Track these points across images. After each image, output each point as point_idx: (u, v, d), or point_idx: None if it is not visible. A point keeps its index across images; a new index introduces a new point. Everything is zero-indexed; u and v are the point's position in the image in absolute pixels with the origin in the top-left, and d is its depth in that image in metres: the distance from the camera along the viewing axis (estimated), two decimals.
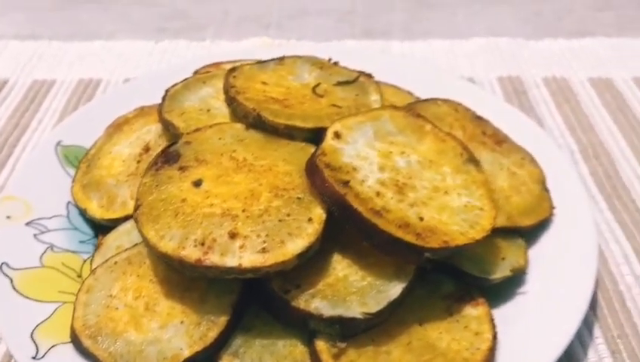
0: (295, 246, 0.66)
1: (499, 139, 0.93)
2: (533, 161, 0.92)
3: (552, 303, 0.75)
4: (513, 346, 0.71)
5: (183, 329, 0.68)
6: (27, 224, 0.84)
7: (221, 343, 0.68)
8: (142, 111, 0.98)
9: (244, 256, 0.65)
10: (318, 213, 0.70)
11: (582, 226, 0.84)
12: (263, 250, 0.66)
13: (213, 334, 0.67)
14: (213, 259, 0.65)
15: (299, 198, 0.71)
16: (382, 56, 1.22)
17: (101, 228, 0.85)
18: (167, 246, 0.67)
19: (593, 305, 0.84)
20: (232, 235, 0.67)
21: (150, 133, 0.92)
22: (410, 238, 0.67)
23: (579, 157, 1.09)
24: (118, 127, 0.97)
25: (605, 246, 0.93)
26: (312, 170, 0.71)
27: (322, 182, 0.69)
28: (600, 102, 1.22)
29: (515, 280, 0.79)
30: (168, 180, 0.74)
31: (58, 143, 0.97)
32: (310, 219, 0.69)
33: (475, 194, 0.76)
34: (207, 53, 1.33)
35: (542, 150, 0.95)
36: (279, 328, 0.71)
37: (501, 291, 0.78)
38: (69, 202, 0.89)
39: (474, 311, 0.73)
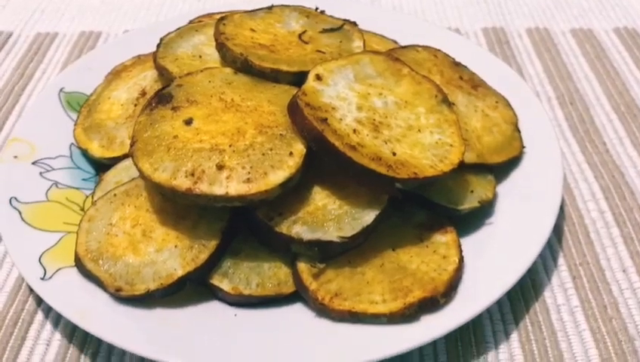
0: (277, 176, 0.73)
1: (475, 84, 0.98)
2: (507, 104, 0.97)
3: (517, 231, 0.82)
4: (479, 269, 0.78)
5: (177, 252, 0.75)
6: (33, 163, 0.91)
7: (212, 264, 0.75)
8: (139, 60, 1.04)
9: (231, 186, 0.72)
10: (299, 148, 0.76)
11: (549, 163, 0.90)
12: (248, 180, 0.72)
13: (204, 256, 0.74)
14: (202, 188, 0.72)
15: (281, 135, 0.77)
16: (369, 8, 1.26)
17: (102, 167, 0.92)
18: (161, 177, 0.73)
19: (559, 237, 0.91)
20: (220, 167, 0.73)
21: (146, 79, 0.98)
22: (382, 170, 0.73)
23: (555, 103, 1.14)
24: (116, 74, 1.03)
25: (575, 185, 0.99)
26: (293, 108, 0.77)
27: (302, 119, 0.75)
28: (580, 52, 1.27)
29: (484, 212, 0.85)
30: (161, 119, 0.80)
31: (61, 90, 1.03)
32: (291, 153, 0.75)
33: (446, 132, 0.82)
34: (202, 7, 1.38)
35: (517, 95, 1.00)
36: (265, 252, 0.78)
37: (470, 222, 0.84)
38: (71, 144, 0.96)
39: (443, 238, 0.79)
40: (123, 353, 0.76)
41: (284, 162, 0.74)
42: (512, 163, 0.91)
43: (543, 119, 0.97)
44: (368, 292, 0.73)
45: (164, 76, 0.92)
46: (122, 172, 0.87)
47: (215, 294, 0.76)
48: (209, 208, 0.76)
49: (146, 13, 1.39)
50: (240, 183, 0.72)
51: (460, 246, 0.79)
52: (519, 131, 0.94)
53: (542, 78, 1.20)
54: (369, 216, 0.75)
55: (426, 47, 1.00)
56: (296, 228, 0.74)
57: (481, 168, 0.87)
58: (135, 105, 0.94)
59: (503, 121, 0.94)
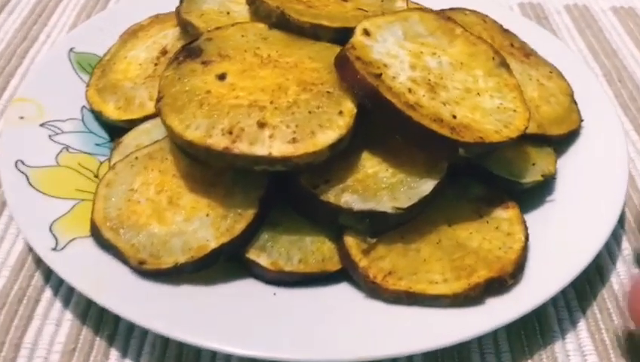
0: (326, 137, 0.64)
1: (526, 52, 0.90)
2: (560, 75, 0.90)
3: (584, 209, 0.74)
4: (543, 251, 0.70)
5: (209, 221, 0.66)
6: (41, 125, 0.82)
7: (248, 236, 0.66)
8: (157, 19, 0.95)
9: (274, 146, 0.63)
10: (349, 107, 0.67)
11: (611, 138, 0.82)
12: (294, 140, 0.64)
13: (240, 226, 0.65)
14: (242, 147, 0.63)
15: (328, 92, 0.68)
16: None
17: (117, 132, 0.82)
18: (194, 134, 0.64)
19: (621, 219, 0.83)
20: (261, 125, 0.64)
21: (167, 37, 0.89)
22: (444, 132, 0.65)
23: (602, 81, 1.06)
24: (132, 33, 0.93)
25: (632, 166, 0.91)
26: (342, 62, 0.68)
27: (353, 73, 0.66)
28: (623, 30, 1.19)
29: (544, 188, 0.77)
30: (191, 73, 0.71)
31: (71, 49, 0.93)
32: (341, 112, 0.66)
33: (507, 97, 0.74)
34: None
35: (569, 67, 0.92)
36: (306, 225, 0.69)
37: (530, 198, 0.76)
38: (83, 106, 0.86)
39: (504, 214, 0.71)
40: (144, 335, 0.67)
41: (334, 121, 0.65)
42: (571, 136, 0.83)
43: (599, 92, 0.89)
44: (426, 270, 0.65)
45: (189, 32, 0.83)
46: (143, 135, 0.78)
47: (251, 271, 0.67)
48: (245, 174, 0.67)
49: None
50: (285, 143, 0.63)
51: (524, 222, 0.70)
52: (576, 103, 0.86)
53: (586, 54, 1.12)
54: (427, 186, 0.67)
55: (473, 11, 0.92)
56: (346, 196, 0.66)
57: (541, 140, 0.79)
58: (155, 64, 0.85)
59: (560, 92, 0.86)
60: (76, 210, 0.72)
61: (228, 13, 0.85)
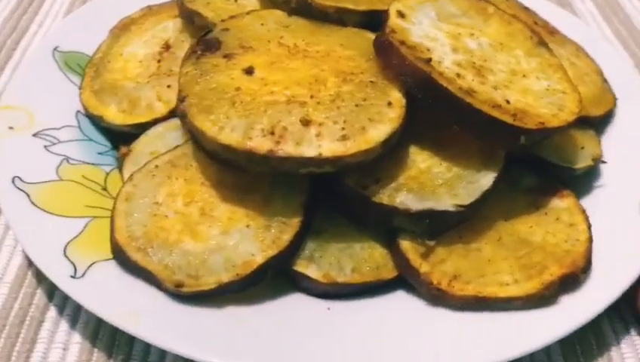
0: (378, 132, 0.58)
1: (550, 30, 0.86)
2: (586, 53, 0.85)
3: (630, 193, 0.70)
4: (604, 242, 0.65)
5: (251, 233, 0.59)
6: (34, 135, 0.72)
7: (296, 247, 0.60)
8: (150, 11, 0.86)
9: (324, 145, 0.56)
10: (397, 97, 0.61)
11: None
12: (344, 138, 0.57)
13: (287, 236, 0.59)
14: (288, 148, 0.56)
15: (372, 82, 0.62)
16: None
17: (119, 138, 0.74)
18: (231, 137, 0.57)
19: None
20: (306, 122, 0.58)
21: (168, 30, 0.81)
22: (507, 118, 0.59)
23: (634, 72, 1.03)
24: (124, 27, 0.84)
25: None
26: (384, 48, 0.62)
27: (401, 60, 0.60)
28: None
29: (591, 173, 0.73)
30: (214, 68, 0.63)
31: (55, 49, 0.84)
32: (390, 103, 0.60)
33: (553, 78, 0.69)
34: None
35: (590, 44, 0.88)
36: (353, 230, 0.63)
37: (579, 186, 0.71)
38: (77, 111, 0.77)
39: (561, 203, 0.66)
40: (161, 358, 0.60)
41: (384, 114, 0.59)
42: (607, 117, 0.79)
43: (629, 70, 0.85)
44: (494, 271, 0.60)
45: (196, 24, 0.75)
46: (156, 140, 0.69)
47: (298, 284, 0.61)
48: (284, 178, 0.61)
49: None
50: (334, 141, 0.57)
51: (584, 211, 0.66)
52: (607, 82, 0.82)
53: (615, 44, 1.07)
54: (487, 179, 0.61)
55: None
56: (401, 196, 0.60)
57: (582, 122, 0.75)
58: (159, 60, 0.77)
59: (590, 70, 0.82)
60: (90, 229, 0.64)
61: (236, 1, 0.77)
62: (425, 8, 0.70)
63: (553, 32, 0.85)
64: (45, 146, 0.72)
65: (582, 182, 0.72)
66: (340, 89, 0.61)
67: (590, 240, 0.62)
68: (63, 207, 0.65)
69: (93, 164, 0.72)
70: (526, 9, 0.87)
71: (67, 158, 0.71)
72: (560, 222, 0.64)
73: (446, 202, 0.59)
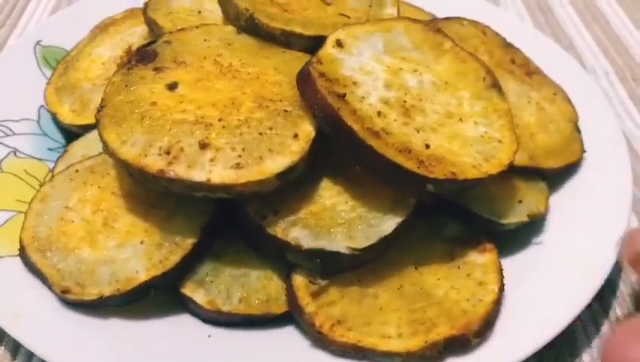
0: (275, 164, 0.57)
1: (529, 70, 0.81)
2: (566, 97, 0.80)
3: (571, 259, 0.65)
4: (522, 303, 0.61)
5: (143, 249, 0.59)
6: None
7: (184, 269, 0.59)
8: (131, 13, 0.88)
9: (215, 171, 0.56)
10: (307, 130, 0.59)
11: (615, 176, 0.72)
12: (238, 166, 0.56)
13: (175, 258, 0.58)
14: (179, 170, 0.56)
15: (286, 111, 0.61)
16: None
17: (73, 137, 0.76)
18: (129, 152, 0.57)
19: (618, 265, 0.73)
20: (203, 145, 0.57)
21: (135, 35, 0.83)
22: (410, 165, 0.56)
23: (615, 79, 0.98)
24: (104, 28, 0.87)
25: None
26: (303, 78, 0.60)
27: (314, 92, 0.59)
28: (632, 24, 1.10)
29: (532, 227, 0.68)
30: (140, 81, 0.64)
31: (37, 42, 0.87)
32: (296, 135, 0.59)
33: (494, 125, 0.65)
34: None
35: (576, 86, 0.83)
36: (254, 258, 0.62)
37: (514, 239, 0.67)
38: (41, 106, 0.80)
39: (480, 258, 0.63)
40: None
41: (287, 146, 0.58)
42: (569, 170, 0.74)
43: (609, 118, 0.80)
44: (381, 322, 0.57)
45: (154, 32, 0.76)
46: (92, 143, 0.71)
47: (187, 306, 0.60)
48: (188, 197, 0.60)
49: None
50: (227, 169, 0.56)
51: (501, 270, 0.62)
52: (579, 131, 0.77)
53: (594, 51, 1.04)
54: (388, 224, 0.59)
55: (472, 22, 0.82)
56: (295, 231, 0.58)
57: (533, 173, 0.70)
58: (118, 64, 0.78)
59: (561, 118, 0.77)
60: (11, 224, 0.66)
61: (199, 12, 0.78)
62: (372, 39, 0.67)
63: (533, 72, 0.81)
64: None
65: (521, 235, 0.68)
66: (251, 115, 0.60)
67: (496, 302, 0.59)
68: None
69: (39, 159, 0.75)
70: (508, 45, 0.83)
71: (15, 151, 0.74)
72: (470, 278, 0.61)
73: (339, 243, 0.57)
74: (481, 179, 0.59)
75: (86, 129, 0.74)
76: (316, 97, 0.58)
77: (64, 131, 0.78)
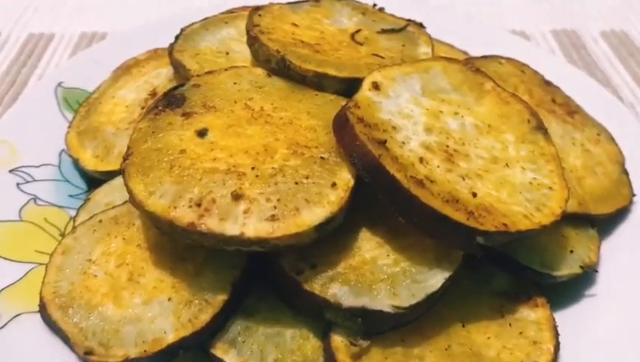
0: (313, 215, 0.53)
1: (571, 110, 0.77)
2: (610, 137, 0.76)
3: (628, 310, 0.60)
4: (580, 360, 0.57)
5: (171, 307, 0.55)
6: (11, 171, 0.73)
7: (215, 328, 0.55)
8: (155, 54, 0.86)
9: (249, 224, 0.52)
10: (345, 178, 0.56)
11: None
12: (273, 218, 0.52)
13: (205, 317, 0.54)
14: (211, 224, 0.52)
15: (322, 158, 0.57)
16: (421, 7, 1.04)
17: (95, 183, 0.73)
18: (157, 204, 0.54)
19: None
20: (236, 197, 0.54)
21: (160, 77, 0.80)
22: (459, 217, 0.52)
23: None
24: (126, 69, 0.84)
25: None
26: (341, 124, 0.57)
27: (352, 139, 0.55)
28: None
29: (583, 279, 0.64)
30: (168, 127, 0.61)
31: (59, 84, 0.85)
32: (334, 185, 0.55)
33: (543, 170, 0.61)
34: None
35: (618, 126, 0.79)
36: (289, 316, 0.58)
37: (565, 292, 0.63)
38: (62, 150, 0.77)
39: (532, 314, 0.58)
40: None
41: (324, 196, 0.54)
42: (619, 215, 0.69)
43: None
44: None
45: (180, 74, 0.73)
46: (116, 191, 0.68)
47: None
48: (218, 250, 0.57)
49: (156, 9, 1.19)
50: (262, 221, 0.52)
51: (555, 327, 0.57)
52: (627, 174, 0.73)
53: (632, 87, 1.01)
54: (435, 280, 0.54)
55: (510, 60, 0.79)
56: (334, 288, 0.54)
57: (582, 220, 0.66)
58: (142, 107, 0.76)
59: (608, 160, 0.73)
60: (30, 277, 0.63)
61: (227, 53, 0.75)
62: (410, 80, 0.64)
63: (575, 111, 0.77)
64: (18, 184, 0.72)
65: (572, 286, 0.63)
66: (286, 162, 0.57)
67: None
68: (12, 250, 0.65)
69: (60, 206, 0.72)
70: (548, 84, 0.79)
71: (35, 198, 0.71)
72: (523, 336, 0.56)
73: (383, 301, 0.53)
74: (534, 230, 0.55)
75: (109, 175, 0.71)
76: (355, 144, 0.55)
77: (86, 177, 0.75)
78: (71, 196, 0.73)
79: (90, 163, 0.73)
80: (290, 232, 0.52)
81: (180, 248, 0.59)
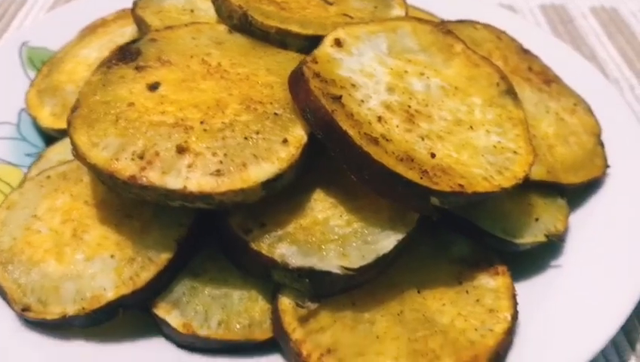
0: (260, 171, 0.51)
1: (548, 79, 0.75)
2: (587, 109, 0.74)
3: (594, 285, 0.58)
4: (538, 335, 0.54)
5: (113, 264, 0.53)
6: None
7: (158, 288, 0.53)
8: (123, 14, 0.83)
9: (192, 178, 0.50)
10: (298, 135, 0.53)
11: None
12: (218, 172, 0.50)
13: (148, 275, 0.52)
14: (152, 177, 0.50)
15: (276, 114, 0.55)
16: None
17: (54, 142, 0.71)
18: (99, 156, 0.52)
19: None
20: (181, 150, 0.51)
21: (125, 35, 0.77)
22: (412, 175, 0.50)
23: None
24: (93, 29, 0.82)
25: None
26: (296, 78, 0.55)
27: (306, 94, 0.53)
28: None
29: (549, 249, 0.61)
30: (119, 80, 0.58)
31: (24, 44, 0.82)
32: (285, 141, 0.53)
33: (509, 134, 0.59)
34: None
35: (600, 98, 0.76)
36: (237, 277, 0.56)
37: (529, 262, 0.60)
38: (22, 109, 0.75)
39: (491, 282, 0.56)
40: None
41: (274, 152, 0.52)
42: (591, 186, 0.67)
43: (634, 133, 0.73)
44: (376, 352, 0.50)
45: (142, 31, 0.71)
46: (69, 148, 0.65)
47: (160, 329, 0.54)
48: (167, 208, 0.54)
49: None
50: (206, 176, 0.50)
51: (514, 296, 0.55)
52: (602, 145, 0.70)
53: (619, 63, 0.98)
54: (387, 242, 0.52)
55: (487, 26, 0.77)
56: (282, 247, 0.52)
57: (551, 189, 0.64)
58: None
59: (583, 130, 0.70)
60: None
61: (192, 11, 0.73)
62: (376, 39, 0.62)
63: (552, 80, 0.74)
64: None
65: (538, 257, 0.61)
66: (237, 117, 0.54)
67: (508, 332, 0.52)
68: None
69: (15, 164, 0.69)
70: (525, 52, 0.76)
71: None
72: (480, 304, 0.54)
73: (332, 262, 0.51)
74: (493, 192, 0.53)
75: (65, 133, 0.68)
76: (309, 99, 0.52)
77: (44, 136, 0.73)
78: (28, 155, 0.71)
79: (47, 121, 0.71)
80: (236, 188, 0.50)
81: (127, 205, 0.57)
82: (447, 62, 0.63)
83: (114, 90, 0.57)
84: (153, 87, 0.58)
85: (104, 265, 0.53)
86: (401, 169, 0.50)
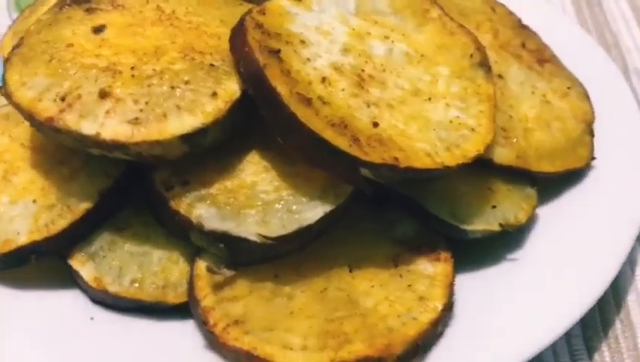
0: (180, 124, 0.48)
1: (543, 58, 0.68)
2: (583, 94, 0.67)
3: (548, 283, 0.53)
4: (474, 328, 0.50)
5: (33, 209, 0.52)
6: None
7: (75, 238, 0.51)
8: None
9: (108, 124, 0.47)
10: (230, 90, 0.50)
11: (625, 193, 0.59)
12: (136, 121, 0.47)
13: (63, 223, 0.50)
14: (69, 120, 0.48)
15: (212, 65, 0.51)
16: None
17: None
18: (24, 96, 0.50)
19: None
20: (103, 95, 0.49)
21: None
22: (340, 142, 0.46)
23: None
24: None
25: None
26: (237, 29, 0.51)
27: (242, 44, 0.49)
28: None
29: (508, 241, 0.56)
30: (66, 20, 0.56)
31: None
32: (214, 94, 0.49)
33: (471, 110, 0.54)
34: None
35: (603, 85, 0.69)
36: (162, 236, 0.53)
37: (483, 252, 0.55)
38: None
39: (429, 268, 0.51)
40: None
41: (200, 105, 0.49)
42: (570, 178, 0.61)
43: (634, 126, 0.66)
44: (286, 328, 0.47)
45: None
46: None
47: (76, 281, 0.52)
48: (97, 157, 0.52)
49: None
50: (122, 123, 0.47)
51: (451, 285, 0.51)
52: (592, 135, 0.64)
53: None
54: (313, 213, 0.48)
55: None
56: (201, 208, 0.49)
57: (520, 176, 0.58)
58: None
59: (572, 116, 0.64)
60: None
61: None
62: None
63: (546, 60, 0.68)
64: None
65: (496, 248, 0.56)
66: (170, 65, 0.51)
67: (434, 323, 0.47)
68: None
69: None
70: (523, 27, 0.70)
71: None
72: (411, 290, 0.50)
73: (249, 228, 0.48)
74: (435, 170, 0.48)
75: None
76: (243, 50, 0.49)
77: None
78: None
79: None
80: (151, 139, 0.47)
81: (62, 152, 0.55)
82: (419, 27, 0.58)
83: (58, 30, 0.55)
84: (98, 29, 0.55)
85: (25, 209, 0.52)
86: (328, 134, 0.46)
